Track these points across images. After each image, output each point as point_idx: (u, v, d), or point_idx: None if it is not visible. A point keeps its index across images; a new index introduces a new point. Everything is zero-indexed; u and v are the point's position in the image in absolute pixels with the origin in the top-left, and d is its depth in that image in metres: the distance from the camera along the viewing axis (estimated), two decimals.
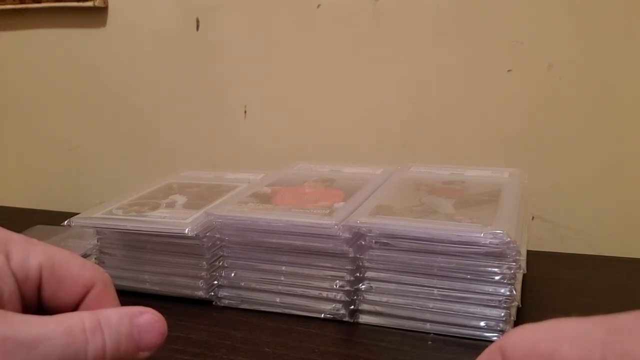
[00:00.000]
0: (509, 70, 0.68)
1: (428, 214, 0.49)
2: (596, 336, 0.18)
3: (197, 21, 0.81)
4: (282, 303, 0.51)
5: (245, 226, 0.51)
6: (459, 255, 0.45)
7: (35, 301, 0.26)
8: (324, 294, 0.50)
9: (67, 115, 0.91)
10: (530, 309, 0.49)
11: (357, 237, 0.48)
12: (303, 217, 0.49)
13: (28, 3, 0.87)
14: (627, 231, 0.67)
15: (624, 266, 0.60)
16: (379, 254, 0.48)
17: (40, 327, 0.22)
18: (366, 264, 0.48)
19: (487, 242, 0.44)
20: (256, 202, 0.54)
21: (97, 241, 0.57)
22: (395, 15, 0.72)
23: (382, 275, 0.48)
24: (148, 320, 0.25)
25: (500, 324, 0.45)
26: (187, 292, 0.54)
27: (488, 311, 0.45)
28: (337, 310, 0.50)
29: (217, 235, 0.52)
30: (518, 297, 0.46)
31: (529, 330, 0.20)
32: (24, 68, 0.93)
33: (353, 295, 0.49)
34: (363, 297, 0.49)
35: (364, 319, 0.49)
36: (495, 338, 0.45)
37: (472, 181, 0.58)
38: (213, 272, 0.53)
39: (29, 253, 0.26)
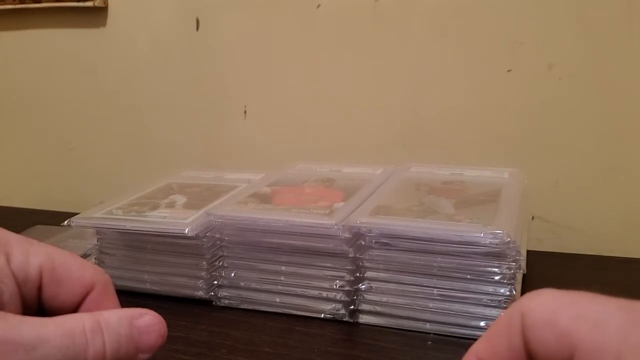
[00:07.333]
0: (509, 70, 0.68)
1: (428, 214, 0.49)
2: (615, 324, 0.18)
3: (197, 21, 0.81)
4: (282, 303, 0.51)
5: (245, 226, 0.51)
6: (458, 255, 0.45)
7: (36, 302, 0.26)
8: (324, 294, 0.50)
9: (67, 115, 0.91)
10: None
11: (357, 237, 0.48)
12: (303, 217, 0.49)
13: (28, 3, 0.87)
14: (627, 231, 0.67)
15: (624, 266, 0.60)
16: (379, 254, 0.48)
17: (40, 329, 0.22)
18: (366, 264, 0.48)
19: (487, 242, 0.44)
20: (256, 202, 0.54)
21: (97, 241, 0.57)
22: (395, 15, 0.72)
23: (382, 275, 0.48)
24: (148, 322, 0.25)
25: None
26: (187, 292, 0.54)
27: (488, 311, 0.45)
28: (337, 310, 0.50)
29: (217, 235, 0.52)
30: (518, 297, 0.46)
31: (549, 298, 0.20)
32: (24, 68, 0.93)
33: (353, 295, 0.49)
34: (363, 297, 0.49)
35: (364, 319, 0.49)
36: None
37: (472, 181, 0.58)
38: (213, 272, 0.53)
39: (29, 254, 0.26)
